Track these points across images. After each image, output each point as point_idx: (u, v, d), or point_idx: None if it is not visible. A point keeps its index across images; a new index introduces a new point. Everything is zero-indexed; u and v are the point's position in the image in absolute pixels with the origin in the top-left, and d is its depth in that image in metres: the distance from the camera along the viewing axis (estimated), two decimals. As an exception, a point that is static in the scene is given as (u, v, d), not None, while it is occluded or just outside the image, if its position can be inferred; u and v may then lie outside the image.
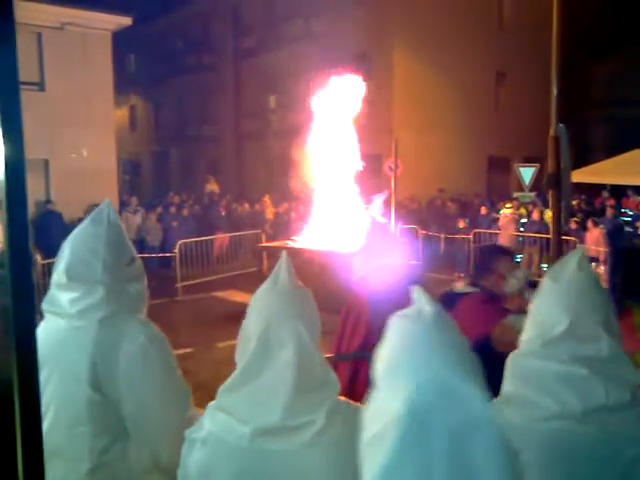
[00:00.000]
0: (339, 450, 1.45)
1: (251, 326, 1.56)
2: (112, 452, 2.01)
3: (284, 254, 1.66)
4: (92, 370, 1.99)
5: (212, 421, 1.57)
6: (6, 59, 1.06)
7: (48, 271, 11.19)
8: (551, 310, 1.63)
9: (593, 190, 16.23)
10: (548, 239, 12.21)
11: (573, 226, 12.56)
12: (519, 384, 1.64)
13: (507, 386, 1.69)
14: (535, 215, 13.03)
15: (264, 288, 1.61)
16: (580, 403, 1.53)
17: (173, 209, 16.19)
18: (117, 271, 2.10)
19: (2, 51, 1.06)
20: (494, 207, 15.96)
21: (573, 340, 1.58)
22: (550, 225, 3.51)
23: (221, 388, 1.58)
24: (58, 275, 2.11)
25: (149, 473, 2.05)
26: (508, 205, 13.94)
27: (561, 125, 3.99)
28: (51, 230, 13.50)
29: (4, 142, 1.07)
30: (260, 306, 1.58)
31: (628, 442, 1.52)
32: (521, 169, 14.78)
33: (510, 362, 1.70)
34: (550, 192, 3.38)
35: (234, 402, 1.54)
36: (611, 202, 14.32)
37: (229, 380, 1.56)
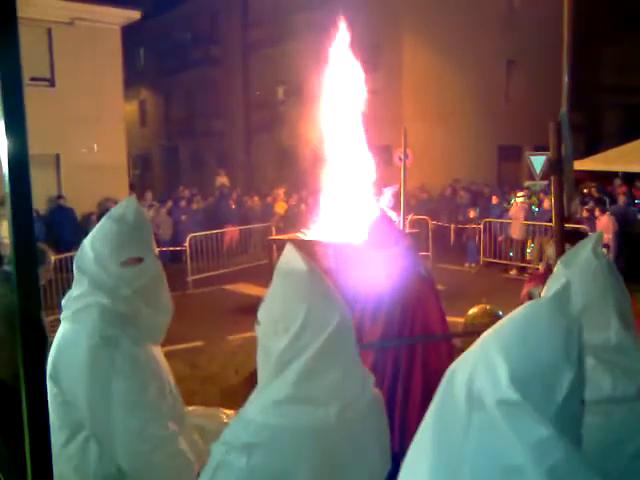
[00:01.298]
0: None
1: (286, 314, 1.50)
2: (71, 447, 1.99)
3: (289, 244, 1.65)
4: (53, 362, 1.99)
5: (272, 417, 1.46)
6: (9, 55, 1.06)
7: (60, 266, 11.30)
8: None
9: (605, 178, 16.09)
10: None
11: (585, 214, 12.47)
12: None
13: None
14: (546, 204, 12.95)
15: (285, 274, 1.56)
16: (586, 394, 1.50)
17: (183, 203, 16.25)
18: (108, 268, 2.06)
19: (5, 47, 1.06)
20: (505, 196, 15.86)
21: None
22: (553, 213, 3.47)
23: (278, 383, 1.47)
24: None
25: (114, 477, 2.00)
26: (519, 194, 13.86)
27: (563, 111, 3.96)
28: (63, 225, 13.62)
29: (8, 139, 1.08)
30: (289, 292, 1.53)
31: (632, 435, 1.49)
32: (532, 157, 14.69)
33: None
34: (552, 179, 3.34)
35: (305, 390, 1.46)
36: (623, 189, 14.18)
37: (289, 373, 1.46)
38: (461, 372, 1.07)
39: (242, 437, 1.46)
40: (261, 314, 1.55)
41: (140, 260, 2.12)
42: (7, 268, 4.02)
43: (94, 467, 1.99)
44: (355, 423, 1.49)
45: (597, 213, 11.99)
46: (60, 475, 1.93)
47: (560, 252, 3.29)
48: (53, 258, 4.07)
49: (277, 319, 1.49)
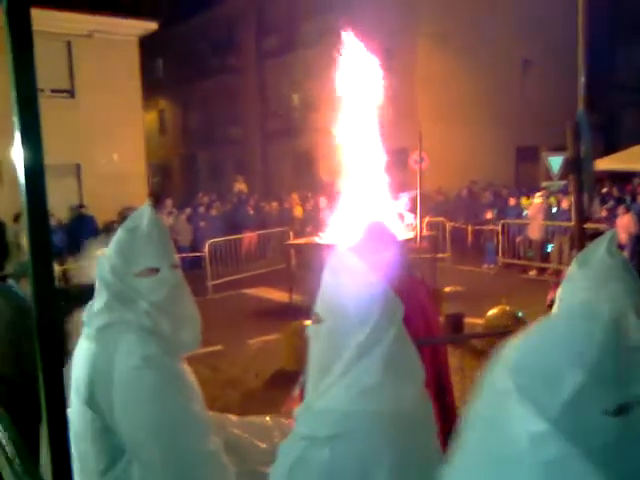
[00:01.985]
0: None
1: (360, 307, 1.53)
2: (113, 473, 1.91)
3: (336, 245, 1.74)
4: (88, 386, 1.91)
5: (361, 404, 1.45)
6: (25, 68, 1.10)
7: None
8: (579, 296, 1.59)
9: (624, 177, 15.90)
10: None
11: (604, 214, 12.34)
12: None
13: None
14: (565, 204, 12.83)
15: (347, 271, 1.59)
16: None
17: (202, 209, 16.38)
18: (125, 279, 2.01)
19: (21, 60, 1.10)
20: (522, 197, 15.76)
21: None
22: (572, 213, 3.44)
23: (360, 372, 1.48)
24: None
25: None
26: (537, 194, 13.76)
27: (580, 109, 3.93)
28: (84, 233, 13.79)
29: (24, 150, 1.11)
30: (357, 287, 1.57)
31: None
32: (550, 158, 14.55)
33: None
34: (571, 178, 3.31)
35: (390, 376, 1.49)
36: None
37: (373, 362, 1.47)
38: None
39: (323, 429, 1.45)
40: (324, 312, 1.58)
41: (156, 271, 2.04)
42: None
43: None
44: (423, 407, 1.56)
45: (621, 211, 11.83)
46: None
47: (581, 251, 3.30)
48: (71, 266, 4.17)
49: (351, 313, 1.52)
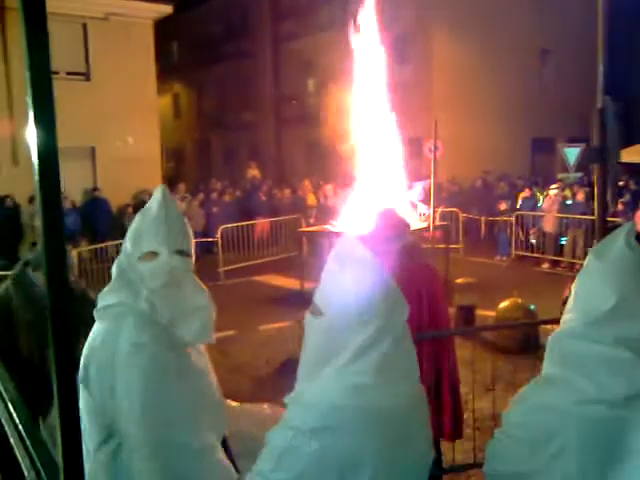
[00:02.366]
0: None
1: (363, 305, 1.49)
2: (104, 452, 1.92)
3: (345, 233, 1.67)
4: (84, 366, 1.91)
5: (353, 399, 1.44)
6: (38, 49, 1.08)
7: (95, 256, 11.54)
8: (596, 289, 1.57)
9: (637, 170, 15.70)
10: (593, 221, 11.92)
11: (620, 207, 12.20)
12: (559, 365, 1.60)
13: (547, 366, 1.65)
14: (580, 196, 12.70)
15: (355, 264, 1.54)
16: (623, 388, 1.47)
17: (215, 195, 16.40)
18: (131, 263, 1.98)
19: (35, 41, 1.08)
20: (538, 189, 15.63)
21: (618, 321, 1.51)
22: (595, 204, 3.34)
23: (358, 368, 1.47)
24: None
25: None
26: (553, 186, 13.62)
27: (607, 97, 3.85)
28: (98, 216, 13.90)
29: (37, 132, 1.10)
30: (365, 283, 1.52)
31: None
32: (566, 149, 14.41)
33: (551, 342, 1.66)
34: (595, 167, 3.21)
35: (386, 375, 1.49)
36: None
37: (371, 359, 1.46)
38: None
39: (312, 421, 1.43)
40: (325, 305, 1.52)
41: (155, 255, 1.97)
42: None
43: (126, 475, 1.91)
44: (416, 406, 1.55)
45: (640, 204, 11.64)
46: (92, 479, 1.90)
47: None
48: (85, 249, 3.97)
49: (354, 312, 1.47)
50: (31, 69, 1.08)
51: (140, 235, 1.99)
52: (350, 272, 1.51)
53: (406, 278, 3.81)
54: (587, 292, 1.60)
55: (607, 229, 3.42)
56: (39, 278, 3.49)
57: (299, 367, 1.58)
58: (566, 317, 1.65)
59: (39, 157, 1.10)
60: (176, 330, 1.99)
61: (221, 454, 2.03)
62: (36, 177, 1.10)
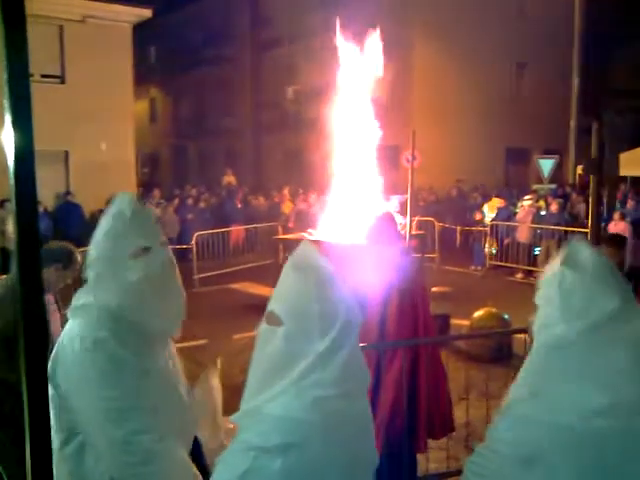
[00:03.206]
0: None
1: (324, 315, 1.47)
2: (67, 450, 1.94)
3: (304, 241, 1.64)
4: (51, 362, 1.94)
5: (315, 414, 1.41)
6: (17, 51, 1.07)
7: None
8: (589, 296, 1.53)
9: (613, 182, 16.00)
10: (566, 232, 12.12)
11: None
12: (546, 377, 1.58)
13: (531, 378, 1.61)
14: (554, 207, 12.90)
15: (310, 273, 1.52)
16: (609, 398, 1.46)
17: (190, 201, 16.29)
18: (113, 261, 2.01)
19: (14, 43, 1.07)
20: (513, 199, 15.84)
21: (618, 323, 1.50)
22: (589, 214, 3.36)
23: (317, 381, 1.43)
24: None
25: None
26: (527, 197, 13.82)
27: (607, 111, 3.94)
28: (70, 221, 13.69)
29: (14, 134, 1.08)
30: (323, 292, 1.49)
31: None
32: (540, 161, 14.65)
33: (536, 353, 1.63)
34: (592, 178, 3.24)
35: (345, 387, 1.47)
36: (632, 194, 14.12)
37: (331, 371, 1.44)
38: None
39: (274, 438, 1.38)
40: (284, 314, 1.48)
41: (147, 249, 2.05)
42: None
43: (89, 472, 1.94)
44: (365, 416, 1.55)
45: (616, 217, 11.88)
46: (56, 477, 1.89)
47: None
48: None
49: (315, 322, 1.44)
50: (9, 71, 1.06)
51: (123, 234, 2.03)
52: (311, 280, 1.49)
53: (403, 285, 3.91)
54: (578, 301, 1.55)
55: (606, 239, 3.45)
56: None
57: (248, 380, 1.52)
58: (549, 329, 1.60)
59: (16, 160, 1.08)
60: (151, 321, 2.03)
61: (180, 457, 2.02)
62: (12, 181, 1.08)
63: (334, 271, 1.53)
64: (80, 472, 1.94)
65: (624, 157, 14.28)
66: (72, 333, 1.98)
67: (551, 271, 1.65)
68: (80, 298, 2.04)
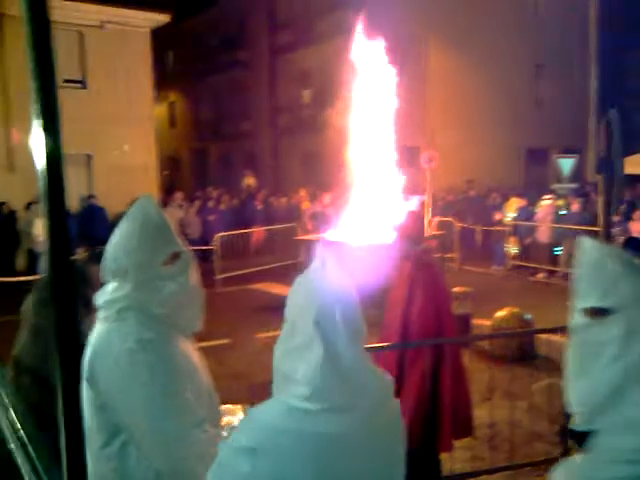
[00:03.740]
0: None
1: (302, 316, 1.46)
2: (109, 450, 1.98)
3: (316, 245, 1.64)
4: (89, 365, 1.96)
5: (289, 422, 1.41)
6: (45, 57, 1.10)
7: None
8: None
9: (630, 181, 15.80)
10: (589, 231, 11.98)
11: (616, 218, 12.24)
12: None
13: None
14: (575, 207, 12.75)
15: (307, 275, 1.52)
16: None
17: (212, 203, 16.41)
18: (150, 270, 2.04)
19: (40, 50, 1.09)
20: (532, 199, 15.69)
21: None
22: (600, 215, 3.32)
23: (296, 389, 1.42)
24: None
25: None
26: (546, 197, 13.68)
27: (613, 109, 3.91)
28: (94, 223, 13.86)
29: (44, 138, 1.11)
30: (302, 294, 1.50)
31: None
32: (560, 160, 14.49)
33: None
34: (601, 177, 3.20)
35: (325, 397, 1.43)
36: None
37: (307, 380, 1.42)
38: None
39: (250, 440, 1.40)
40: (287, 312, 1.52)
41: (178, 255, 2.09)
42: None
43: (133, 470, 1.98)
44: (374, 433, 1.46)
45: (637, 216, 11.72)
46: (100, 476, 1.95)
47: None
48: (81, 256, 3.87)
49: (307, 317, 1.44)
50: (38, 77, 1.09)
51: (158, 243, 2.07)
52: (313, 285, 1.49)
53: (423, 282, 3.93)
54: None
55: (628, 242, 3.41)
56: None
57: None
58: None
59: (47, 164, 1.11)
60: (186, 322, 2.12)
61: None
62: (42, 184, 1.11)
63: (343, 276, 1.51)
64: (124, 469, 1.97)
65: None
66: (111, 336, 1.99)
67: None
68: (115, 303, 2.03)
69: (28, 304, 3.15)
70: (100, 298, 2.08)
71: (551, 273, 12.75)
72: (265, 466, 1.37)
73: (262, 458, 1.37)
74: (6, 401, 2.02)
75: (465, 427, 4.09)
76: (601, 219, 3.23)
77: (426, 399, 3.87)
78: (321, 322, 1.42)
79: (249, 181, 21.83)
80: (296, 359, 1.43)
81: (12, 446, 1.80)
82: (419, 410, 3.84)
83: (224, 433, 2.23)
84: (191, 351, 2.17)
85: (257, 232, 15.10)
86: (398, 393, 3.84)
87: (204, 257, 13.04)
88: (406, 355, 3.96)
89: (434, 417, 3.89)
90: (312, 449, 1.39)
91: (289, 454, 1.38)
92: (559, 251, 12.82)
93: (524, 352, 7.10)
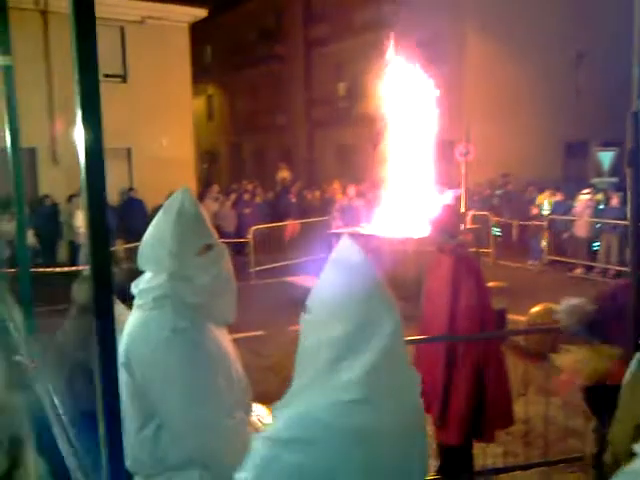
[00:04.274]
0: None
1: (343, 309, 1.45)
2: (144, 434, 2.04)
3: (345, 236, 1.59)
4: (125, 352, 2.03)
5: (337, 416, 1.39)
6: (88, 53, 1.14)
7: (130, 255, 11.74)
8: None
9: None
10: (627, 226, 11.66)
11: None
12: None
13: None
14: (614, 201, 12.44)
15: (345, 267, 1.50)
16: None
17: (247, 196, 16.54)
18: (184, 260, 2.09)
19: (84, 45, 1.13)
20: (571, 193, 15.36)
21: None
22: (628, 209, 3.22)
23: (344, 382, 1.40)
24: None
25: (187, 463, 2.03)
26: (585, 191, 13.39)
27: None
28: (133, 216, 14.11)
29: (85, 132, 1.15)
30: (350, 287, 1.47)
31: None
32: (600, 153, 14.14)
33: None
34: (628, 171, 3.10)
35: (372, 391, 1.42)
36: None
37: (355, 372, 1.41)
38: None
39: (298, 432, 1.40)
40: (311, 302, 1.51)
41: (211, 246, 2.15)
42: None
43: (167, 453, 2.03)
44: (406, 427, 1.47)
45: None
46: (136, 459, 2.04)
47: (636, 251, 2.97)
48: (120, 248, 3.92)
49: (334, 312, 1.43)
50: (80, 73, 1.13)
51: (192, 234, 2.12)
52: (338, 273, 1.49)
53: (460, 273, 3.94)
54: None
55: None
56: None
57: (295, 369, 1.53)
58: None
59: (87, 157, 1.15)
60: (220, 312, 2.18)
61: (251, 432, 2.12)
62: (83, 176, 1.15)
63: (368, 268, 1.49)
64: (158, 453, 2.03)
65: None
66: (149, 323, 2.05)
67: None
68: (151, 292, 2.09)
69: (79, 290, 3.24)
70: (136, 287, 2.14)
71: (589, 268, 12.50)
72: (314, 459, 1.37)
73: (311, 451, 1.37)
74: (49, 387, 2.10)
75: (506, 417, 4.09)
76: (629, 214, 3.14)
77: (476, 394, 3.89)
78: (371, 312, 1.42)
79: (284, 174, 21.89)
80: (344, 350, 1.40)
81: (55, 430, 1.88)
82: (470, 406, 3.86)
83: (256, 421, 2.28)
84: (225, 340, 2.22)
85: (291, 225, 15.17)
86: (447, 388, 3.86)
87: (239, 250, 13.19)
88: (455, 349, 3.96)
89: (478, 410, 3.91)
90: (360, 442, 1.38)
91: (338, 448, 1.37)
92: (597, 246, 12.55)
93: (559, 348, 6.99)
